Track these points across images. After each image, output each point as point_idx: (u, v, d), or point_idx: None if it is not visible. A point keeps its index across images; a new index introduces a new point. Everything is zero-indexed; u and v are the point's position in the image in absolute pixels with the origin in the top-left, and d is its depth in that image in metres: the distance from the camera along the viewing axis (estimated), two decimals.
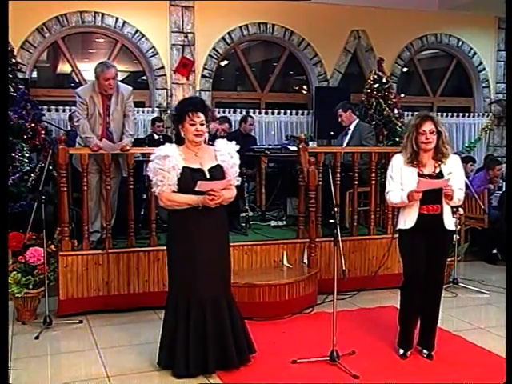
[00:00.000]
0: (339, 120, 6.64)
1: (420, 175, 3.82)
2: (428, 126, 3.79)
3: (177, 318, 3.63)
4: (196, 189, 3.51)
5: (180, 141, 3.70)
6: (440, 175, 3.84)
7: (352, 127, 6.53)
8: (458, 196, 3.86)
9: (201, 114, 3.62)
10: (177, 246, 3.69)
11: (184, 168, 3.57)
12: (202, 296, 3.61)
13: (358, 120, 6.66)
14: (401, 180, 3.87)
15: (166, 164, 3.53)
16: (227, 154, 3.70)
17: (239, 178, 3.78)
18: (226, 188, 3.64)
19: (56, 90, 8.00)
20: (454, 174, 3.85)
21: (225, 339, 3.63)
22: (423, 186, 3.73)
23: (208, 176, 3.61)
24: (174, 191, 3.56)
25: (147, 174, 3.66)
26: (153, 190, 3.64)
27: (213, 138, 5.64)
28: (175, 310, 3.65)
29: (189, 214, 3.58)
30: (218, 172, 3.65)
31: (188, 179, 3.54)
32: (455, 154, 4.13)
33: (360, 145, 6.30)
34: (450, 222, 3.90)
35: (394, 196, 3.88)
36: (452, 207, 5.90)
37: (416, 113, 4.01)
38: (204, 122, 3.64)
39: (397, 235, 4.04)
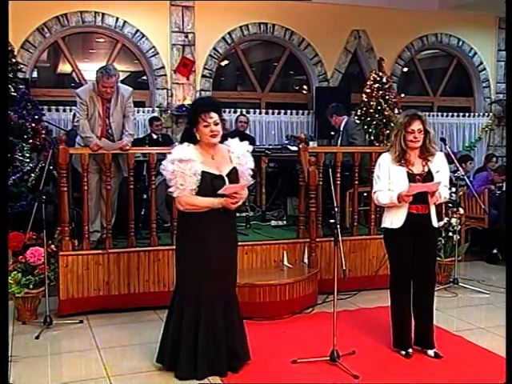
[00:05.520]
0: (332, 125, 6.79)
1: (409, 174, 3.85)
2: (416, 126, 3.82)
3: (184, 318, 3.60)
4: (220, 192, 3.50)
5: (194, 140, 3.62)
6: (429, 174, 3.87)
7: (342, 127, 6.64)
8: (444, 194, 3.92)
9: (214, 114, 3.57)
10: (189, 246, 3.64)
11: (203, 173, 3.53)
12: (212, 296, 3.59)
13: (346, 119, 6.74)
14: (389, 179, 3.89)
15: (188, 168, 3.49)
16: (242, 156, 3.69)
17: (252, 179, 3.77)
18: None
19: (56, 90, 8.00)
20: (440, 172, 3.91)
21: (234, 340, 3.64)
22: (414, 189, 3.76)
23: (227, 182, 3.58)
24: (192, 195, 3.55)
25: (163, 172, 3.57)
26: (170, 190, 3.57)
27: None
28: (182, 310, 3.62)
29: (204, 214, 3.55)
30: (234, 176, 3.64)
31: (208, 185, 3.52)
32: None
33: (348, 142, 6.39)
34: (436, 220, 3.94)
35: (383, 196, 3.89)
36: (451, 206, 5.99)
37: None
38: (218, 121, 3.58)
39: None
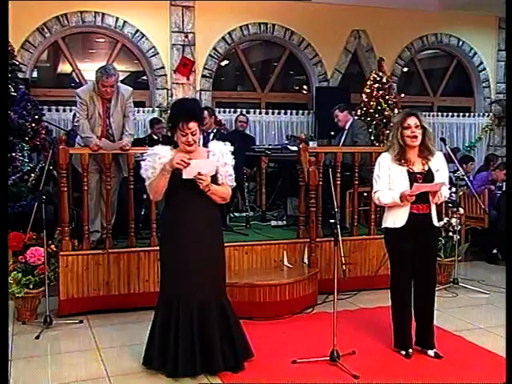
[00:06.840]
0: (335, 121, 6.76)
1: (410, 173, 3.85)
2: (412, 121, 3.83)
3: (168, 319, 3.61)
4: (184, 177, 3.48)
5: (176, 143, 3.66)
6: (429, 173, 3.88)
7: (347, 126, 6.66)
8: (445, 193, 3.93)
9: (192, 124, 3.54)
10: (166, 247, 3.69)
11: (174, 170, 3.55)
12: (188, 297, 3.58)
13: (352, 119, 6.77)
14: (389, 179, 3.89)
15: (157, 161, 3.56)
16: (219, 153, 3.67)
17: (232, 179, 3.72)
18: (221, 184, 3.65)
19: (56, 90, 8.01)
20: (440, 171, 3.91)
21: (211, 343, 3.59)
22: (418, 189, 3.77)
23: None
24: None
25: (141, 173, 3.65)
26: (145, 184, 3.65)
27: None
28: (165, 311, 3.63)
29: (179, 214, 3.58)
30: None
31: (177, 179, 3.52)
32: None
33: (352, 142, 6.40)
34: (436, 220, 3.95)
35: (384, 196, 3.89)
36: (451, 206, 5.99)
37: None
38: (196, 131, 3.58)
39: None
